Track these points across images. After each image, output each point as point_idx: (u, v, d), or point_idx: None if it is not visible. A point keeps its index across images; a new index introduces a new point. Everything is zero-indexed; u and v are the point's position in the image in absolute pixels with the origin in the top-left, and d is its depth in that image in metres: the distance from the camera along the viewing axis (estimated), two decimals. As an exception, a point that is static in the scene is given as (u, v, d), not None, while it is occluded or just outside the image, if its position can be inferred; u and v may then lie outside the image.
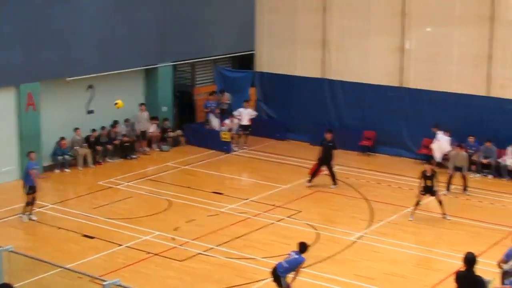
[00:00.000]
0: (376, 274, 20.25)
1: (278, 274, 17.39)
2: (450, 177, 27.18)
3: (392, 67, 31.98)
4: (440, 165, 28.58)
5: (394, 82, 32.05)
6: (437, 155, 29.85)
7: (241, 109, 33.59)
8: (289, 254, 17.69)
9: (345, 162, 30.67)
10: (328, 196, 26.95)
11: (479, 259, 15.43)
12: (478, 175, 29.43)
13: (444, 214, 24.29)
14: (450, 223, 23.99)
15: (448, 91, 30.80)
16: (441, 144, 29.95)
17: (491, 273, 14.25)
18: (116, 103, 25.78)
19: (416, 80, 31.61)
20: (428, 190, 24.27)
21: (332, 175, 27.72)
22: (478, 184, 28.24)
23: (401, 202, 26.03)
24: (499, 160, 29.50)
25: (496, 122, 29.93)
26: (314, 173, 27.75)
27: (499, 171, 29.43)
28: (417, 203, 24.28)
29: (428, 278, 19.88)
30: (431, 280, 19.74)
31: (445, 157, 29.29)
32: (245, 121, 33.41)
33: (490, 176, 29.51)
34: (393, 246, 22.21)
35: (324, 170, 27.80)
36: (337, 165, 29.20)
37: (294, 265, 17.40)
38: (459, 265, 14.24)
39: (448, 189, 27.03)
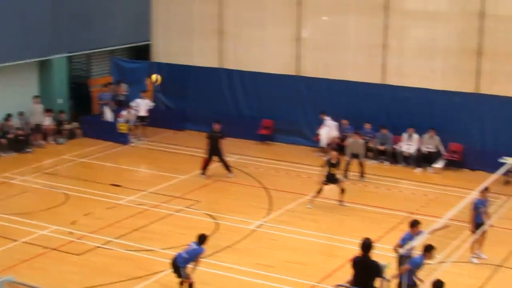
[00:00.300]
0: (276, 262, 20.31)
1: (177, 265, 17.27)
2: (348, 164, 27.51)
3: (289, 56, 32.14)
4: (324, 150, 29.20)
5: (291, 71, 32.22)
6: (324, 141, 30.33)
7: (138, 100, 33.21)
8: (189, 245, 17.58)
9: (243, 151, 30.75)
10: (227, 185, 26.93)
11: (377, 244, 15.66)
12: (374, 161, 29.88)
13: (341, 201, 24.52)
14: (348, 210, 24.26)
15: (344, 79, 31.14)
16: (329, 130, 30.37)
17: (388, 258, 14.46)
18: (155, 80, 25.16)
19: (313, 68, 31.86)
20: (331, 177, 24.41)
21: (225, 165, 27.66)
22: (374, 170, 28.66)
23: (300, 190, 26.21)
24: (395, 147, 30.00)
25: (391, 110, 30.43)
26: (206, 165, 27.62)
27: (395, 158, 29.93)
28: (319, 191, 24.44)
29: (327, 265, 20.05)
30: (330, 266, 19.91)
31: (340, 143, 29.72)
32: (143, 112, 33.05)
33: (386, 163, 30.00)
34: (293, 234, 22.33)
35: (216, 160, 27.68)
36: (235, 154, 29.33)
37: (194, 256, 17.31)
38: (357, 250, 14.36)
39: (345, 176, 27.33)
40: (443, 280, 15.42)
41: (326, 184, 24.42)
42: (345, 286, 14.09)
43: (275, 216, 23.88)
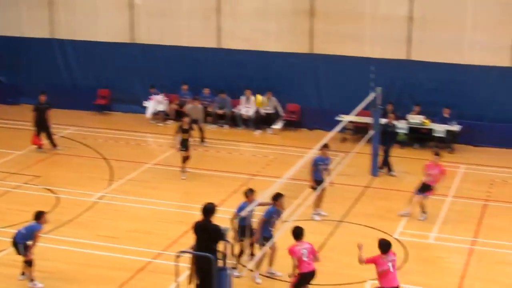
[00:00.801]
0: (119, 232, 20.09)
1: (16, 241, 16.79)
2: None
3: (122, 24, 31.66)
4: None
5: (125, 39, 31.76)
6: (149, 112, 30.51)
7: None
8: (30, 222, 17.10)
9: (80, 122, 30.21)
10: (66, 158, 26.36)
11: (220, 207, 15.69)
12: (214, 126, 29.97)
13: (184, 168, 24.44)
14: (190, 175, 24.22)
15: (180, 45, 30.99)
16: (155, 103, 30.50)
17: (229, 221, 14.59)
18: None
19: (147, 35, 31.52)
20: (185, 143, 24.23)
21: (50, 138, 26.90)
22: (214, 134, 28.78)
23: (140, 159, 26.00)
24: (234, 110, 30.19)
25: (228, 73, 30.56)
26: (37, 140, 26.87)
27: (235, 121, 30.14)
28: (185, 159, 24.18)
29: (172, 232, 19.98)
30: (175, 233, 19.84)
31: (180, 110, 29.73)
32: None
33: (226, 126, 30.18)
34: (135, 203, 22.14)
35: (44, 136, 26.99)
36: (72, 126, 28.88)
37: (30, 232, 16.85)
38: (198, 215, 14.36)
39: (185, 141, 27.35)
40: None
41: (182, 150, 24.14)
42: (188, 252, 14.05)
43: (116, 186, 23.60)
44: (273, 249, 17.31)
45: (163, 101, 30.52)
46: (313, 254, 15.76)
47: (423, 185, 20.88)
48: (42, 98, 26.78)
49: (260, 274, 17.24)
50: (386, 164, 24.96)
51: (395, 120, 26.89)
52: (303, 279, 15.57)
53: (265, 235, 16.92)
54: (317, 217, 20.88)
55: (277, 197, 17.01)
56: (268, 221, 17.01)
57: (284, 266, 16.90)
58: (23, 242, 16.82)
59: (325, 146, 20.71)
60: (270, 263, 17.59)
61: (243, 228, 16.84)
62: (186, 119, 24.41)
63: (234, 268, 16.03)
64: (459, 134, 27.79)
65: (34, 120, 26.70)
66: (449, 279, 17.33)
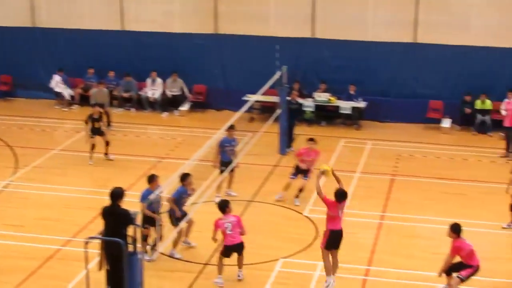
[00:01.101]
0: (26, 220, 19.73)
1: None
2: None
3: (23, 8, 30.99)
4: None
5: (26, 23, 31.11)
6: (60, 92, 30.23)
7: None
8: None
9: (-18, 110, 29.59)
10: (-33, 147, 25.80)
11: (129, 192, 15.54)
12: (120, 109, 29.67)
13: (107, 153, 24.12)
14: (98, 160, 23.89)
15: (82, 28, 30.53)
16: (58, 83, 30.05)
17: (139, 205, 14.45)
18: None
19: (49, 19, 30.95)
20: (97, 131, 23.83)
21: None
22: (121, 118, 28.50)
23: (46, 145, 25.59)
24: (140, 93, 29.95)
25: (133, 56, 30.30)
26: None
27: (141, 104, 29.91)
28: (93, 147, 23.75)
29: (80, 218, 19.69)
30: (84, 219, 19.58)
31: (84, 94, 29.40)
32: None
33: (132, 109, 29.92)
34: (42, 191, 21.77)
35: None
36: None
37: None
38: (108, 200, 14.20)
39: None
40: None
41: (92, 138, 23.72)
42: (97, 237, 13.90)
43: (22, 174, 23.16)
44: (189, 222, 17.60)
45: (61, 81, 30.05)
46: (239, 228, 16.24)
47: (299, 170, 20.82)
48: None
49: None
50: (291, 141, 25.19)
51: (301, 98, 27.16)
52: (227, 251, 16.18)
53: (178, 216, 16.96)
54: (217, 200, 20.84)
55: (185, 177, 17.16)
56: (179, 201, 17.11)
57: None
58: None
59: (231, 127, 20.69)
60: (186, 234, 17.83)
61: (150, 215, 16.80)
62: (97, 109, 24.05)
63: (144, 252, 16.02)
64: (365, 111, 28.18)
65: None
66: (360, 254, 17.57)
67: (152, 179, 17.23)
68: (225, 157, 20.67)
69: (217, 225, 16.22)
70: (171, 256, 17.49)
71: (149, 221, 16.67)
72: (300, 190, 20.68)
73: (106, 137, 24.06)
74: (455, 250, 15.11)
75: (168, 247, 17.45)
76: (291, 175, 20.82)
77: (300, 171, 20.71)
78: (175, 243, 17.56)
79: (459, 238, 15.11)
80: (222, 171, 20.68)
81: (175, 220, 17.08)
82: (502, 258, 17.57)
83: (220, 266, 16.38)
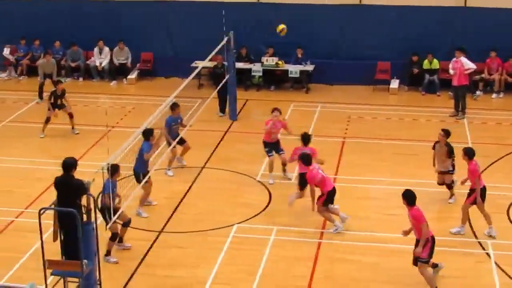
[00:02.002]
0: (-22, 193, 19.63)
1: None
2: (42, 85, 26.88)
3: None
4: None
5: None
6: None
7: None
8: None
9: None
10: None
11: (80, 162, 15.47)
12: (68, 79, 29.41)
13: (73, 127, 23.90)
14: (48, 131, 23.65)
15: (28, -1, 30.24)
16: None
17: (91, 174, 14.40)
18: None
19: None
20: (58, 106, 23.57)
21: None
22: (69, 88, 27.75)
23: (-6, 117, 25.35)
24: (88, 62, 29.72)
25: (77, 25, 30.01)
26: None
27: (89, 73, 29.70)
28: (48, 120, 23.50)
29: (32, 189, 19.53)
30: (35, 191, 19.43)
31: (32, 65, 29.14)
32: None
33: (80, 79, 29.71)
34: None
35: None
36: None
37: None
38: (61, 171, 14.13)
39: (40, 97, 26.78)
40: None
41: (52, 111, 23.49)
42: (51, 208, 13.85)
43: (-30, 146, 22.96)
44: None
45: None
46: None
47: (271, 145, 20.16)
48: None
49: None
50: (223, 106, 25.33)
51: (249, 63, 27.30)
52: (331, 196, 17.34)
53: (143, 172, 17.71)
54: (170, 173, 20.88)
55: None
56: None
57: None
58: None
59: (175, 105, 20.49)
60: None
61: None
62: (60, 86, 23.77)
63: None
64: (313, 74, 28.31)
65: None
66: (313, 218, 17.66)
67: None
68: (173, 136, 20.35)
69: (312, 177, 17.06)
70: (138, 215, 17.90)
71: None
72: (284, 165, 20.23)
73: (68, 110, 23.79)
74: (414, 219, 14.63)
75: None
76: (268, 154, 20.18)
77: (272, 147, 20.11)
78: (142, 201, 18.06)
79: (414, 206, 14.67)
80: (174, 147, 20.59)
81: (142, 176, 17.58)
82: (453, 217, 17.85)
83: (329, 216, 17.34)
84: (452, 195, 18.76)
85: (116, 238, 16.17)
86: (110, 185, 15.61)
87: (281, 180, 20.04)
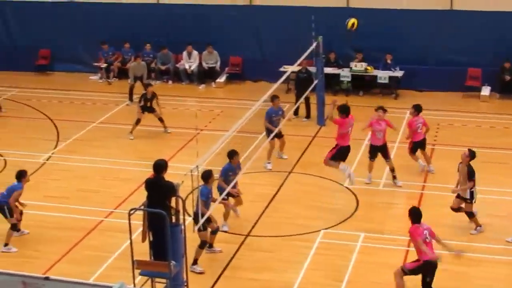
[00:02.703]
0: (69, 193, 20.02)
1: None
2: (132, 88, 27.28)
3: (60, -18, 31.23)
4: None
5: (64, -2, 31.37)
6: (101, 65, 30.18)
7: None
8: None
9: (23, 84, 29.88)
10: (11, 120, 26.09)
11: (170, 163, 15.62)
12: (158, 81, 29.80)
13: (165, 127, 24.27)
14: (136, 132, 23.96)
15: (119, 1, 30.65)
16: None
17: (181, 177, 14.52)
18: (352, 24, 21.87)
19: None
20: (148, 109, 23.94)
21: None
22: (159, 90, 28.39)
23: (86, 118, 25.80)
24: (177, 65, 30.04)
25: (169, 28, 30.34)
26: None
27: (178, 76, 30.01)
28: (138, 121, 23.85)
29: (121, 190, 19.93)
30: (124, 191, 19.80)
31: (123, 67, 29.58)
32: None
33: (170, 82, 30.04)
34: (83, 163, 22.01)
35: None
36: (15, 88, 28.68)
37: (11, 193, 17.03)
38: (149, 172, 14.32)
39: (130, 99, 27.17)
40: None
41: (143, 114, 23.87)
42: (140, 209, 14.03)
43: (63, 146, 23.44)
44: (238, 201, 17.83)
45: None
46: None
47: (375, 148, 20.07)
48: None
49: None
50: (307, 111, 25.39)
51: (337, 68, 27.26)
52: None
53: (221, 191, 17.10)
54: (269, 166, 21.22)
55: (232, 154, 17.32)
56: (226, 179, 17.13)
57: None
58: (5, 203, 16.90)
59: (275, 97, 20.87)
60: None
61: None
62: (151, 89, 24.04)
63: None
64: (402, 80, 28.03)
65: None
66: (399, 225, 17.51)
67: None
68: (274, 126, 20.87)
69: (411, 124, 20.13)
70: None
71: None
72: (392, 170, 20.11)
73: (158, 115, 24.11)
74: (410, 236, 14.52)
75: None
76: (370, 158, 20.07)
77: (377, 149, 19.93)
78: (225, 216, 17.83)
79: (415, 224, 14.42)
80: (271, 138, 20.97)
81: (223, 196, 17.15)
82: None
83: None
84: (477, 226, 17.56)
85: (205, 245, 16.22)
86: (206, 190, 15.81)
87: (369, 186, 19.91)
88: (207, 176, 15.96)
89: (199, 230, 15.51)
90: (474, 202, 17.33)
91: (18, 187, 17.17)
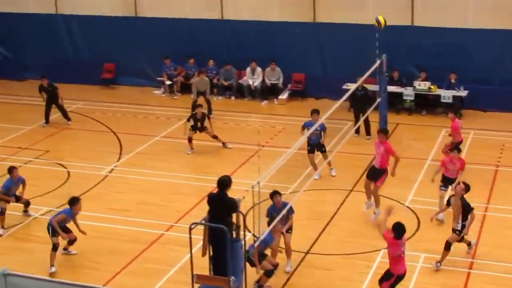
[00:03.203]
0: (130, 205, 20.22)
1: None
2: (195, 103, 27.44)
3: (125, -2, 31.69)
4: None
5: (129, 12, 31.66)
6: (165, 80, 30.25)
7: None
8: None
9: (88, 96, 30.28)
10: (75, 132, 26.46)
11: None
12: (220, 97, 29.96)
13: (224, 143, 24.34)
14: (198, 147, 24.20)
15: (183, 17, 30.91)
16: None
17: (242, 192, 14.57)
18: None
19: (150, 8, 31.43)
20: (199, 129, 24.02)
21: (63, 111, 27.18)
22: (221, 106, 28.77)
23: (148, 132, 26.04)
24: (240, 81, 30.16)
25: (232, 44, 30.51)
26: (47, 114, 26.98)
27: (241, 92, 30.12)
28: (190, 140, 24.00)
29: (182, 204, 20.07)
30: (186, 205, 19.94)
31: (186, 82, 29.81)
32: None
33: (232, 98, 30.16)
34: (145, 176, 22.21)
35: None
36: (80, 100, 29.02)
37: (58, 214, 17.16)
38: (211, 187, 14.40)
39: (194, 113, 27.41)
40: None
41: (194, 132, 23.97)
42: (202, 223, 14.10)
43: (126, 159, 23.68)
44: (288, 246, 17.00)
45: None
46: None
47: (447, 180, 19.29)
48: (44, 82, 26.93)
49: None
50: (367, 128, 25.18)
51: (400, 87, 27.10)
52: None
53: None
54: (316, 176, 21.28)
55: (273, 194, 16.42)
56: (270, 221, 16.16)
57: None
58: (49, 223, 17.09)
59: (314, 111, 21.24)
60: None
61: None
62: (199, 110, 24.13)
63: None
64: (466, 99, 27.72)
65: (45, 99, 26.93)
66: (459, 246, 17.25)
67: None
68: (312, 140, 21.26)
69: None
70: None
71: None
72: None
73: (211, 133, 24.17)
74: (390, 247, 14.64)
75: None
76: (441, 187, 19.30)
77: (448, 181, 19.29)
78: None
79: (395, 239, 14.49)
80: (308, 151, 21.35)
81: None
82: None
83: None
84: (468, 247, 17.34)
85: (271, 274, 15.96)
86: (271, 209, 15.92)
87: (430, 206, 19.71)
88: (273, 194, 16.17)
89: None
90: (462, 235, 16.91)
91: (65, 212, 17.25)
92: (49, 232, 17.11)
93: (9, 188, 18.97)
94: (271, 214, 16.33)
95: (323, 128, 21.39)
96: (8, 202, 18.87)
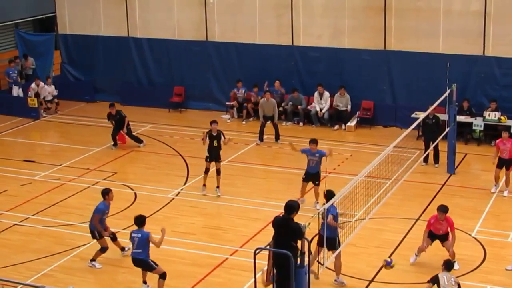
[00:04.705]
0: (196, 229, 20.37)
1: (142, 260, 16.99)
2: (262, 127, 27.57)
3: (197, 21, 31.91)
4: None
5: (200, 37, 32.01)
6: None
7: (43, 86, 31.99)
8: (131, 238, 17.06)
9: (156, 119, 30.60)
10: (143, 155, 26.76)
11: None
12: (289, 123, 30.02)
13: (218, 186, 23.11)
14: (264, 172, 24.36)
15: (253, 42, 31.12)
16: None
17: (307, 218, 14.56)
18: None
19: (221, 33, 31.73)
20: (214, 148, 23.18)
21: (131, 135, 27.54)
22: (289, 132, 28.78)
23: (215, 156, 26.16)
24: (309, 108, 30.15)
25: (301, 70, 30.61)
26: (114, 138, 27.34)
27: (309, 118, 30.11)
28: (207, 171, 23.04)
29: (247, 229, 20.16)
30: (250, 230, 20.02)
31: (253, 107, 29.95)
32: (49, 97, 32.09)
33: (300, 124, 30.15)
34: (211, 200, 22.35)
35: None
36: (149, 123, 29.49)
37: (145, 243, 16.95)
38: (276, 212, 14.43)
39: (261, 139, 27.47)
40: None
41: (210, 162, 23.10)
42: (265, 248, 14.13)
43: (192, 183, 23.85)
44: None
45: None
46: None
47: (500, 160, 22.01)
48: (113, 110, 27.36)
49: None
50: (435, 157, 24.96)
51: (470, 117, 26.83)
52: None
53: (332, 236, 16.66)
54: (318, 206, 21.28)
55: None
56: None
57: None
58: (146, 256, 17.06)
59: (312, 141, 21.60)
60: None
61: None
62: (214, 126, 23.30)
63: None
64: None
65: (113, 125, 27.43)
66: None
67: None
68: (308, 168, 21.52)
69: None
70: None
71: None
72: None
73: (218, 165, 23.18)
74: None
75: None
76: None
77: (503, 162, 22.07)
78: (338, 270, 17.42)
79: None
80: (303, 180, 21.68)
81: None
82: None
83: None
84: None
85: None
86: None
87: (497, 238, 19.43)
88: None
89: None
90: None
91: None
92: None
93: (103, 213, 18.50)
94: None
95: (323, 155, 21.49)
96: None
